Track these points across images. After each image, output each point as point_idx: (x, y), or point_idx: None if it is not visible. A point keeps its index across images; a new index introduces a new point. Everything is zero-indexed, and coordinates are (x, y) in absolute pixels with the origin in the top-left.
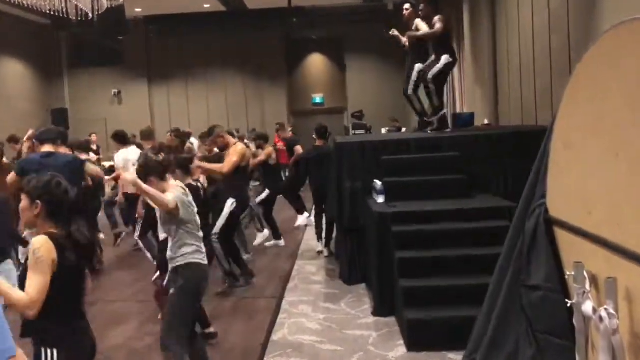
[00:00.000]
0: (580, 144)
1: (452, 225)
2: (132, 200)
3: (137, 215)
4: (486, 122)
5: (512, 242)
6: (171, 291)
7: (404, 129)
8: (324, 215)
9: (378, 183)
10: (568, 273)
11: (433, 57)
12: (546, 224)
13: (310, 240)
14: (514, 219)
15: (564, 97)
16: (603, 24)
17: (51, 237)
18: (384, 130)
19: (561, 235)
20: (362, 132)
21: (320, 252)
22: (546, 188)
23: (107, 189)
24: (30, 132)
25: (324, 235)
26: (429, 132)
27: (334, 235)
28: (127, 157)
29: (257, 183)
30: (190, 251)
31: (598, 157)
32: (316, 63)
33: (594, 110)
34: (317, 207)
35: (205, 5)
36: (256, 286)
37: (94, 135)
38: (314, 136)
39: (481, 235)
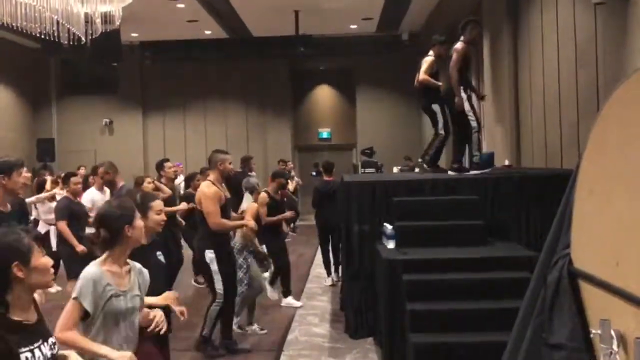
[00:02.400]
0: (607, 190)
1: (468, 275)
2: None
3: None
4: (507, 163)
5: (533, 296)
6: None
7: (417, 169)
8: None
9: (388, 227)
10: (594, 331)
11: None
12: (570, 277)
13: (313, 289)
14: (536, 270)
15: (589, 140)
16: (634, 59)
17: None
18: (395, 170)
19: (586, 289)
20: (372, 170)
21: (332, 285)
22: (570, 238)
23: None
24: None
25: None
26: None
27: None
28: (94, 198)
29: None
30: None
31: (627, 205)
32: (324, 95)
33: (623, 155)
34: (323, 240)
35: (207, 32)
36: (251, 337)
37: (82, 168)
38: (314, 173)
39: (500, 287)
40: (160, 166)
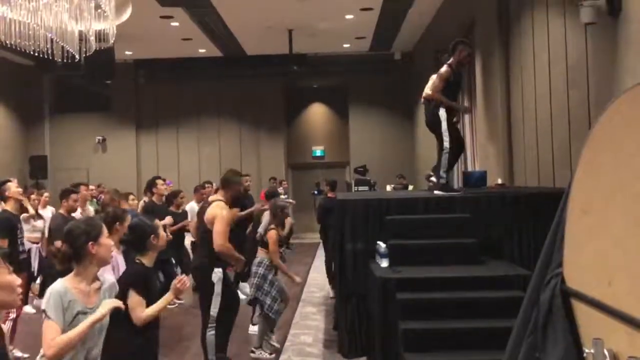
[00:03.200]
0: (600, 210)
1: (462, 294)
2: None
3: None
4: (499, 181)
5: (526, 315)
6: None
7: (410, 187)
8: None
9: (382, 245)
10: (587, 350)
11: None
12: (562, 296)
13: (306, 308)
14: (528, 289)
15: (581, 160)
16: (625, 78)
17: None
18: (389, 188)
19: (579, 308)
20: (366, 188)
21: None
22: (563, 256)
23: None
24: None
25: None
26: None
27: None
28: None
29: None
30: None
31: (619, 224)
32: (317, 113)
33: (616, 176)
34: (329, 255)
35: (201, 50)
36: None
37: (82, 187)
38: (315, 191)
39: (493, 306)
40: (152, 184)
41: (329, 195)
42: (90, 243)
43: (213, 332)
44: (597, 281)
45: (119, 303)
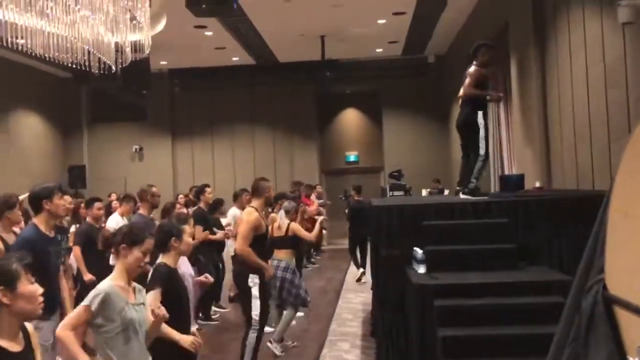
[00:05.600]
0: None
1: (500, 300)
2: None
3: None
4: (537, 184)
5: (568, 322)
6: None
7: (446, 191)
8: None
9: (418, 251)
10: (631, 359)
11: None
12: (605, 303)
13: (343, 314)
14: (570, 296)
15: (622, 162)
16: None
17: None
18: (424, 192)
19: (622, 315)
20: (401, 193)
21: (360, 278)
22: (604, 262)
23: None
24: None
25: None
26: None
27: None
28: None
29: None
30: None
31: None
32: (350, 119)
33: None
34: (353, 247)
35: (234, 59)
36: None
37: (113, 194)
38: (342, 197)
39: (533, 312)
40: (201, 192)
41: (357, 198)
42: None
43: (255, 333)
44: None
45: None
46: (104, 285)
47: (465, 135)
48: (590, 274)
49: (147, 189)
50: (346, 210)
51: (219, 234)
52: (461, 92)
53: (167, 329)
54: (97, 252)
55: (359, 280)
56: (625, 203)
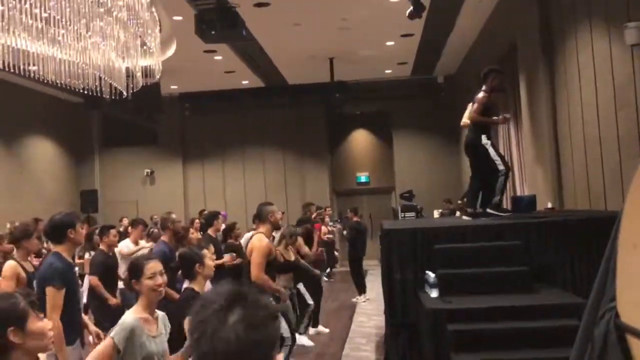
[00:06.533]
0: None
1: (515, 324)
2: None
3: None
4: (549, 205)
5: (581, 351)
6: None
7: (458, 212)
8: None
9: (431, 275)
10: None
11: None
12: (617, 331)
13: (356, 339)
14: (582, 323)
15: (630, 191)
16: None
17: None
18: (436, 213)
19: (635, 344)
20: (412, 214)
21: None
22: (615, 290)
23: None
24: None
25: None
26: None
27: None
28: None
29: None
30: None
31: None
32: (361, 139)
33: None
34: (354, 267)
35: (244, 82)
36: None
37: (124, 219)
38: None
39: (548, 335)
40: (213, 218)
41: (355, 219)
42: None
43: (282, 353)
44: None
45: None
46: (129, 319)
47: (473, 159)
48: (602, 301)
49: (167, 216)
50: (344, 232)
51: (226, 258)
52: (465, 119)
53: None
54: (113, 281)
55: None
56: (634, 233)
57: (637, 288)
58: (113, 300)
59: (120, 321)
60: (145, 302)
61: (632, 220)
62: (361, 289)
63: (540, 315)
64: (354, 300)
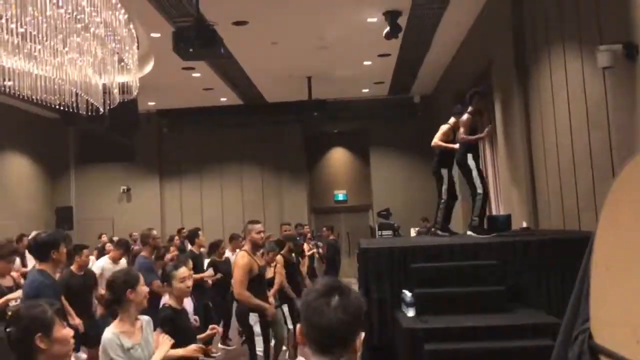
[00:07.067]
0: (623, 267)
1: (491, 344)
2: None
3: None
4: (524, 225)
5: None
6: None
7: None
8: None
9: (407, 294)
10: None
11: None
12: (591, 353)
13: None
14: (556, 345)
15: (602, 215)
16: None
17: None
18: (413, 232)
19: None
20: (389, 232)
21: None
22: (589, 312)
23: None
24: None
25: None
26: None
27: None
28: (105, 267)
29: None
30: None
31: None
32: (338, 158)
33: (636, 232)
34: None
35: (222, 99)
36: None
37: (104, 236)
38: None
39: (523, 355)
40: (195, 235)
41: (332, 237)
42: (128, 290)
43: None
44: (625, 339)
45: (170, 342)
46: (108, 334)
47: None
48: (575, 322)
49: (147, 232)
50: (320, 250)
51: (206, 273)
52: (435, 140)
53: (171, 352)
54: (81, 301)
55: None
56: (606, 256)
57: (610, 310)
58: (76, 320)
59: (101, 340)
60: (124, 317)
61: (604, 243)
62: None
63: (515, 335)
64: None
